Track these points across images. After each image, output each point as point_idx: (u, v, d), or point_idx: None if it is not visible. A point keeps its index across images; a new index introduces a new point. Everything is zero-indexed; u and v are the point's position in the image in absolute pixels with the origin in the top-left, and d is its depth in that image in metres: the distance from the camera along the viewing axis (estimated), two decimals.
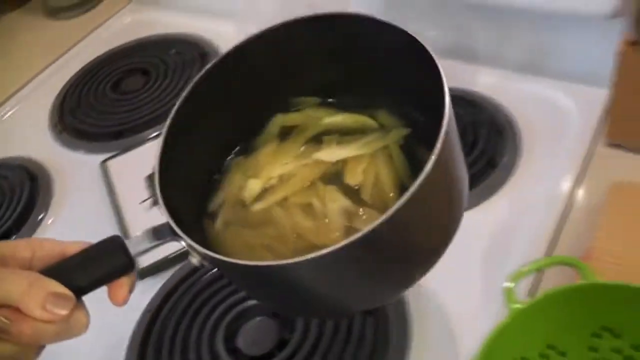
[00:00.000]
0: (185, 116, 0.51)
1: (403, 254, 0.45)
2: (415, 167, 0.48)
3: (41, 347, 0.44)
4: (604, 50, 0.72)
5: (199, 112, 0.52)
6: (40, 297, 0.41)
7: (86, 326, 0.45)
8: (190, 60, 1.01)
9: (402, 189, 0.49)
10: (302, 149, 0.56)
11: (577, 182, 0.72)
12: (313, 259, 0.39)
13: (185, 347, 0.66)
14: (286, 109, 0.58)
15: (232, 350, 0.64)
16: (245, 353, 0.64)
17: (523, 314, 0.50)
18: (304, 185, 0.54)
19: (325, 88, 0.57)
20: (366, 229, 0.39)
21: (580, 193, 0.71)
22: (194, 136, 0.53)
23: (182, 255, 0.73)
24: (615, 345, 0.52)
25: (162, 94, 0.98)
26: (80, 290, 0.44)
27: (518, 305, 0.51)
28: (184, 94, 0.51)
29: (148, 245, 0.47)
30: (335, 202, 0.51)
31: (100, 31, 1.14)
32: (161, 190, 0.47)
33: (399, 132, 0.53)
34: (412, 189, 0.39)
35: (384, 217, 0.39)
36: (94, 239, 0.46)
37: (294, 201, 0.53)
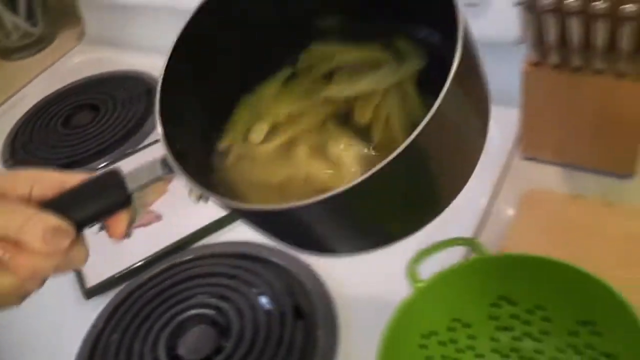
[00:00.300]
0: (185, 55, 0.48)
1: (421, 189, 0.43)
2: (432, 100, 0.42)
3: (42, 280, 0.43)
4: (513, 73, 0.79)
5: (199, 54, 0.50)
6: (39, 231, 0.41)
7: (85, 259, 0.44)
8: (137, 95, 1.06)
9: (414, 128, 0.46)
10: (312, 86, 0.53)
11: (495, 194, 0.78)
12: (327, 199, 0.37)
13: (129, 358, 0.69)
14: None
15: (174, 357, 0.67)
16: (185, 359, 0.67)
17: (426, 292, 0.54)
18: (315, 125, 0.51)
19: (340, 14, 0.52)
20: (370, 171, 0.36)
21: (498, 202, 0.77)
22: (196, 77, 0.51)
23: (128, 274, 0.78)
24: (512, 312, 0.56)
25: (110, 127, 1.02)
26: (78, 224, 0.43)
27: (420, 284, 0.55)
28: (186, 23, 0.49)
29: (146, 179, 0.46)
30: (351, 149, 0.47)
31: (52, 70, 1.19)
32: (162, 124, 0.45)
33: (413, 65, 0.49)
34: (422, 123, 0.37)
35: (390, 157, 0.36)
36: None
37: (306, 142, 0.50)
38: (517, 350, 0.56)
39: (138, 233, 0.82)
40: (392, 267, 0.61)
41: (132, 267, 0.78)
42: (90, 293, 0.77)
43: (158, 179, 0.46)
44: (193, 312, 0.71)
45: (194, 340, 0.69)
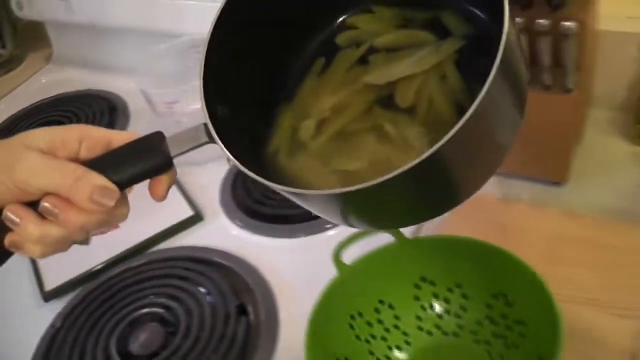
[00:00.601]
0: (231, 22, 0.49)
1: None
2: (475, 79, 0.41)
3: (88, 233, 0.46)
4: None
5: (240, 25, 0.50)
6: (87, 191, 0.43)
7: (126, 216, 0.47)
8: (99, 112, 1.11)
9: (459, 108, 0.46)
10: (348, 74, 0.52)
11: None
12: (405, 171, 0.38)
13: (82, 355, 0.73)
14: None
15: (124, 353, 0.72)
16: (134, 354, 0.71)
17: (350, 275, 0.58)
18: (362, 112, 0.50)
19: None
20: (446, 136, 0.37)
21: None
22: (238, 50, 0.51)
23: (85, 278, 0.82)
24: (433, 291, 0.61)
25: None
26: (121, 184, 0.45)
27: (345, 269, 0.58)
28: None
29: (189, 145, 0.47)
30: (410, 128, 0.47)
31: (19, 90, 1.23)
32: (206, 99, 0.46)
33: (452, 45, 0.48)
34: (472, 107, 0.37)
35: (458, 124, 0.37)
36: None
37: (359, 127, 0.50)
38: (439, 327, 0.61)
39: (96, 238, 0.86)
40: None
41: (90, 271, 0.82)
42: (49, 296, 0.81)
43: (200, 145, 0.47)
44: (144, 311, 0.75)
45: (144, 337, 0.73)
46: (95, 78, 1.19)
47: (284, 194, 0.44)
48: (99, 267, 0.82)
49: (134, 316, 0.75)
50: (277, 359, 0.68)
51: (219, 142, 0.45)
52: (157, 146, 0.46)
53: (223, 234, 0.83)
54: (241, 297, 0.73)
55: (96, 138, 0.47)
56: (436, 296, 0.61)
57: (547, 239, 0.73)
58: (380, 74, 0.50)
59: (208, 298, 0.74)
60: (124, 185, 0.45)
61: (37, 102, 1.18)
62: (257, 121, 0.53)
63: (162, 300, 0.75)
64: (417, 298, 0.61)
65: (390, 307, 0.61)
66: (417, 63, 0.48)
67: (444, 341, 0.60)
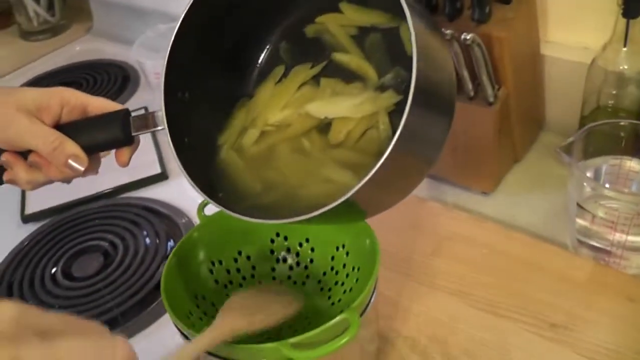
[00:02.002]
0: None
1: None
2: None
3: (67, 179, 0.58)
4: None
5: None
6: (63, 159, 0.55)
7: (96, 172, 0.59)
8: (114, 79, 1.25)
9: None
10: (300, 91, 0.58)
11: None
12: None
13: (35, 270, 0.84)
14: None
15: (66, 273, 0.83)
16: (74, 276, 0.82)
17: (209, 225, 0.62)
18: (299, 134, 0.57)
19: None
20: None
21: None
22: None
23: (59, 209, 0.93)
24: (287, 245, 0.66)
25: None
26: (89, 151, 0.56)
27: (204, 219, 0.63)
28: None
29: (148, 129, 0.56)
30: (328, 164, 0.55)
31: (55, 53, 1.39)
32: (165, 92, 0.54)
33: (390, 99, 0.53)
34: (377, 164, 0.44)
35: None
36: None
37: (289, 146, 0.57)
38: (290, 277, 0.66)
39: (77, 180, 0.98)
40: None
41: (63, 205, 0.95)
42: (27, 219, 0.94)
43: (157, 131, 0.56)
44: (92, 243, 0.87)
45: (85, 263, 0.84)
46: (120, 50, 1.32)
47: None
48: (71, 202, 0.95)
49: (83, 246, 0.86)
50: None
51: (168, 135, 0.53)
52: (122, 124, 0.56)
53: (181, 192, 0.93)
54: (173, 239, 0.84)
55: (74, 104, 0.57)
56: (288, 250, 0.66)
57: (444, 235, 0.79)
58: (321, 108, 0.56)
59: (146, 239, 0.85)
60: (91, 152, 0.57)
61: (66, 65, 1.32)
62: (218, 109, 0.60)
63: (110, 236, 0.86)
64: (272, 251, 0.67)
65: (248, 258, 0.66)
66: (355, 108, 0.54)
67: (293, 289, 0.66)
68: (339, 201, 0.44)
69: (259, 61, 0.63)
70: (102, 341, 0.40)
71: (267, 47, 0.63)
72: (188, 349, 0.48)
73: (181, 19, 0.54)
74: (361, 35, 0.57)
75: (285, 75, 0.60)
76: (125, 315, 0.75)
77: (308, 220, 0.46)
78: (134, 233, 0.86)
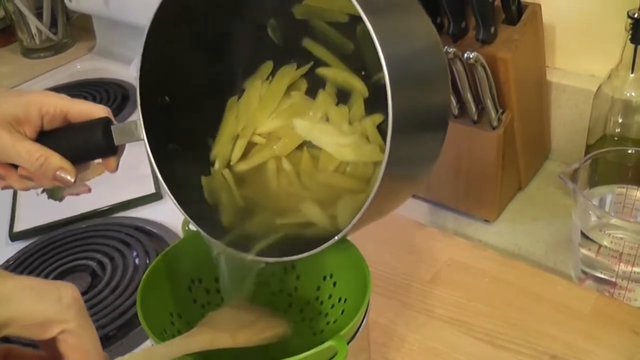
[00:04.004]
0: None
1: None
2: None
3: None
4: None
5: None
6: (50, 174, 0.54)
7: (88, 188, 0.63)
8: (113, 97, 1.23)
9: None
10: (292, 99, 0.57)
11: None
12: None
13: None
14: None
15: None
16: None
17: (191, 241, 0.59)
18: (290, 149, 0.57)
19: None
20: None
21: None
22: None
23: (48, 228, 0.91)
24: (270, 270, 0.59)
25: None
26: (75, 162, 0.56)
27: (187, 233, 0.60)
28: None
29: (130, 139, 0.55)
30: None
31: (56, 71, 1.37)
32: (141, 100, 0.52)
33: (373, 153, 0.53)
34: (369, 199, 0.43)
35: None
36: None
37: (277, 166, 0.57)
38: (272, 302, 0.63)
39: (69, 199, 0.96)
40: None
41: (52, 223, 0.92)
42: (15, 237, 0.91)
43: (139, 141, 0.54)
44: (79, 262, 0.84)
45: (71, 282, 0.81)
46: (122, 70, 1.31)
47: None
48: (61, 220, 0.92)
49: (70, 265, 0.83)
50: None
51: (147, 145, 0.53)
52: (103, 134, 0.55)
53: (175, 212, 0.90)
54: None
55: (53, 113, 0.56)
56: (273, 275, 0.64)
57: (443, 262, 0.76)
58: (309, 131, 0.56)
59: (136, 259, 0.82)
60: (77, 162, 0.56)
61: (67, 83, 1.31)
62: (204, 110, 0.58)
63: (98, 256, 0.84)
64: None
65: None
66: (339, 149, 0.54)
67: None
68: (316, 250, 0.46)
69: (245, 50, 0.59)
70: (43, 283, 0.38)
71: (253, 31, 0.59)
72: (158, 350, 0.45)
73: (155, 12, 0.51)
74: (352, 23, 0.54)
75: (272, 74, 0.59)
76: (110, 337, 0.72)
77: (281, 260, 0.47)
78: (124, 253, 0.83)
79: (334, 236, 0.46)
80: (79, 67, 1.38)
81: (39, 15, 1.40)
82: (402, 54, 0.43)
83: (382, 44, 0.40)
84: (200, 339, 0.47)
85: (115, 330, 0.73)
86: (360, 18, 0.41)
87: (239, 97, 0.59)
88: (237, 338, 0.49)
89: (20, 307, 0.35)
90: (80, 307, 0.38)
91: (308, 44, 0.57)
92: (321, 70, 0.57)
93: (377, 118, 0.54)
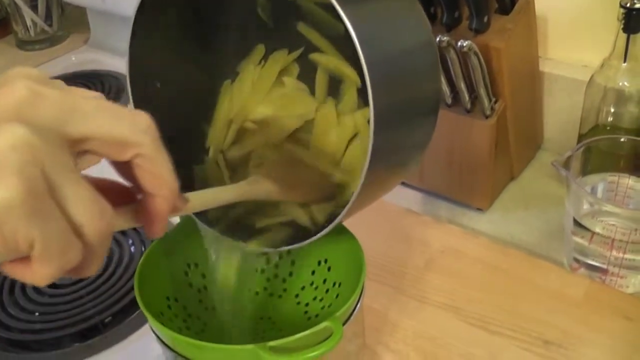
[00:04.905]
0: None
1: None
2: None
3: None
4: None
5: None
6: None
7: None
8: (108, 89, 1.23)
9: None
10: (285, 90, 0.57)
11: None
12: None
13: (12, 287, 0.81)
14: None
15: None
16: (57, 283, 0.80)
17: (185, 227, 0.59)
18: (282, 138, 0.56)
19: None
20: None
21: None
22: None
23: None
24: (266, 256, 0.60)
25: None
26: None
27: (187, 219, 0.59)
28: None
29: None
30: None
31: (51, 63, 1.37)
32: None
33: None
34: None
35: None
36: None
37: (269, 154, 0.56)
38: (267, 288, 0.64)
39: None
40: None
41: None
42: None
43: None
44: None
45: None
46: (117, 62, 1.31)
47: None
48: None
49: None
50: None
51: None
52: None
53: None
54: None
55: None
56: (267, 261, 0.63)
57: (437, 249, 0.77)
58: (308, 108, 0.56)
59: (132, 248, 0.82)
60: None
61: (62, 74, 1.31)
62: (197, 96, 0.58)
63: None
64: None
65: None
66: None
67: (268, 300, 0.64)
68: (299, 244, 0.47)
69: (235, 33, 0.59)
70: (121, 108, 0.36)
71: (244, 13, 0.58)
72: (206, 194, 0.45)
73: None
74: None
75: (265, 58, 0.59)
76: (106, 323, 0.73)
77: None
78: (119, 241, 0.84)
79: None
80: (74, 59, 1.38)
81: (34, 8, 1.40)
82: (384, 48, 0.43)
83: (359, 37, 0.39)
84: (257, 188, 0.49)
85: (111, 317, 0.73)
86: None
87: (232, 81, 0.59)
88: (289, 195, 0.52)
89: (99, 124, 0.34)
90: (154, 134, 0.36)
91: (302, 27, 0.57)
92: (314, 56, 0.57)
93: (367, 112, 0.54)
